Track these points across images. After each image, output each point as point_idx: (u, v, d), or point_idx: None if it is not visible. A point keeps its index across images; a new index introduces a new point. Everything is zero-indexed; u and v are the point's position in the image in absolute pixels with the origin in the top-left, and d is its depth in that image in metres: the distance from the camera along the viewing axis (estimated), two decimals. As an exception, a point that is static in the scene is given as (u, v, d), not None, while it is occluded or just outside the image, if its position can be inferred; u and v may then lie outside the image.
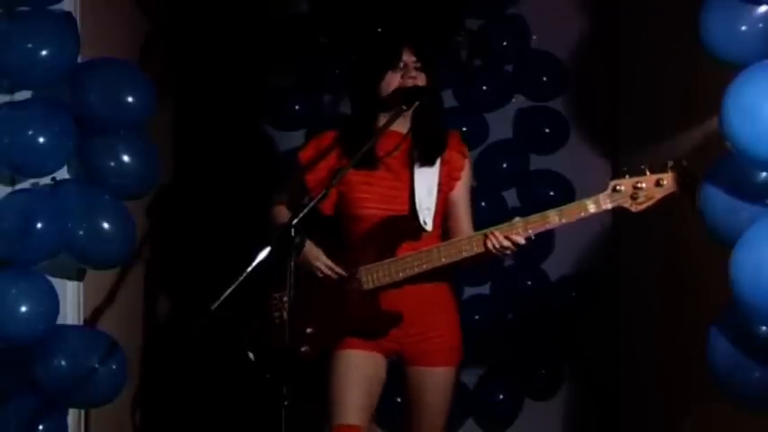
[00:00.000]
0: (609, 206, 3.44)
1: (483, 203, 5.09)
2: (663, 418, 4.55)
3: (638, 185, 3.40)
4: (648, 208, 3.42)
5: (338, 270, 3.60)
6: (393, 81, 3.60)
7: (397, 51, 3.62)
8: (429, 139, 3.65)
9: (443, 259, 3.53)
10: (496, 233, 3.47)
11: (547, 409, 5.25)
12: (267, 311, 3.62)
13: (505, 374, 5.23)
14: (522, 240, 3.46)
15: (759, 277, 2.99)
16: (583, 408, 5.25)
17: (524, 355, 5.23)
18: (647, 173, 3.40)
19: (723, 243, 3.21)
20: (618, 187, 3.41)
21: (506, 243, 3.46)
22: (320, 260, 3.61)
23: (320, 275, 3.61)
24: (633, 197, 3.41)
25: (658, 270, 4.57)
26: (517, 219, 3.48)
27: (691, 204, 3.33)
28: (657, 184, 3.39)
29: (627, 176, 3.41)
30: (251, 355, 3.58)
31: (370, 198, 3.63)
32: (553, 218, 3.46)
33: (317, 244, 3.61)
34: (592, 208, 3.45)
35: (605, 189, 3.43)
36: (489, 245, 3.48)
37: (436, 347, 3.65)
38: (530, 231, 3.46)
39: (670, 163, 3.40)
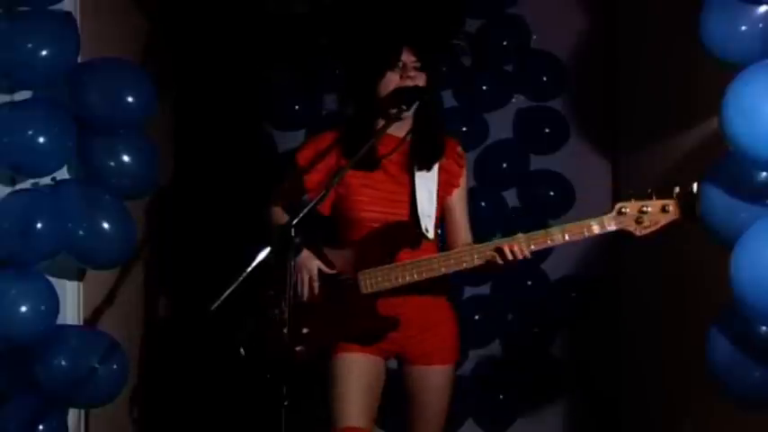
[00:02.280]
0: (613, 228, 3.41)
1: (483, 203, 5.09)
2: (663, 417, 4.55)
3: (644, 209, 3.36)
4: (653, 233, 3.38)
5: (315, 288, 3.56)
6: (392, 81, 3.59)
7: (396, 51, 3.60)
8: (428, 144, 3.64)
9: (443, 269, 3.52)
10: (500, 246, 3.46)
11: (547, 410, 5.25)
12: (262, 309, 3.61)
13: (505, 375, 5.23)
14: (528, 255, 3.45)
15: (759, 277, 2.99)
16: (583, 408, 5.25)
17: (524, 356, 5.23)
18: (653, 197, 3.37)
19: (723, 243, 3.21)
20: (623, 210, 3.38)
21: (509, 257, 3.45)
22: (308, 269, 3.57)
23: (298, 281, 3.58)
24: (638, 221, 3.37)
25: (659, 270, 4.57)
26: (520, 234, 3.47)
27: (692, 224, 3.31)
28: (663, 209, 3.36)
29: (632, 200, 3.38)
30: (242, 351, 3.56)
31: (369, 201, 3.62)
32: (557, 236, 3.44)
33: (314, 244, 3.59)
34: (596, 229, 3.42)
35: (610, 211, 3.40)
36: (490, 257, 3.48)
37: (434, 347, 3.64)
38: (532, 247, 3.45)
39: (676, 189, 3.35)
